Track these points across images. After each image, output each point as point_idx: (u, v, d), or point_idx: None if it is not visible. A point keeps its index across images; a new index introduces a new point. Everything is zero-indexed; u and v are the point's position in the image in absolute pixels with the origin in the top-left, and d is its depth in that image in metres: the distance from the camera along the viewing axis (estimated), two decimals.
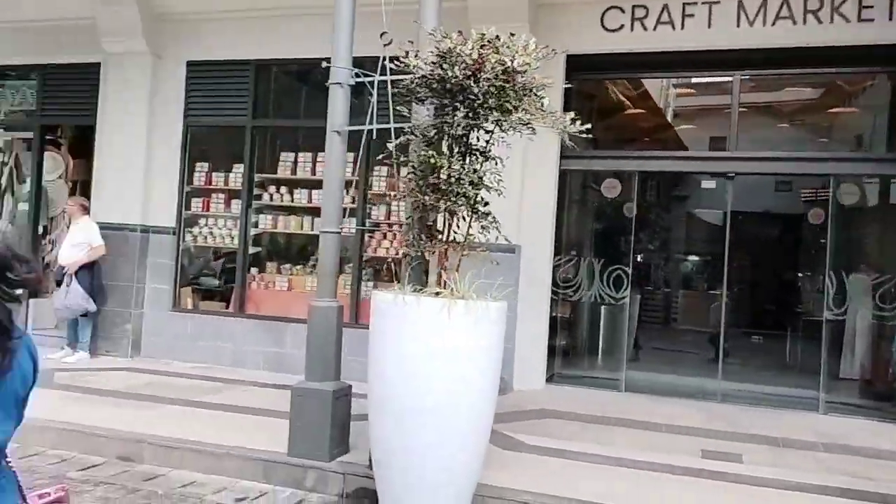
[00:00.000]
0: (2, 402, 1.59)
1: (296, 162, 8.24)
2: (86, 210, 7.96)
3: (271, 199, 8.31)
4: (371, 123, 4.74)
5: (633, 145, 8.87)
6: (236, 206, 8.35)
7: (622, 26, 7.19)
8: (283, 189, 8.27)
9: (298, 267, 8.36)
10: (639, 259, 8.97)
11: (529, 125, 3.97)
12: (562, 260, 7.77)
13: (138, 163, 8.29)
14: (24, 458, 4.96)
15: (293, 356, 7.80)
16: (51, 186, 9.42)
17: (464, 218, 4.18)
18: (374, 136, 4.73)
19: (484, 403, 3.83)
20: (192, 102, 8.35)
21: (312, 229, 8.18)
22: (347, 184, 7.93)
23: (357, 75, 4.68)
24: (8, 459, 1.73)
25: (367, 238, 7.90)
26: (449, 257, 4.08)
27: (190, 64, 8.31)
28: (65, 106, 9.05)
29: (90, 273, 7.86)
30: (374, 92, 4.68)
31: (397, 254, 7.82)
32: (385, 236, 7.88)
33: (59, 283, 7.99)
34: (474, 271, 4.09)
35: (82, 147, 9.63)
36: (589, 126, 3.89)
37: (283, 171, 8.29)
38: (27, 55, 8.96)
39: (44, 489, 1.97)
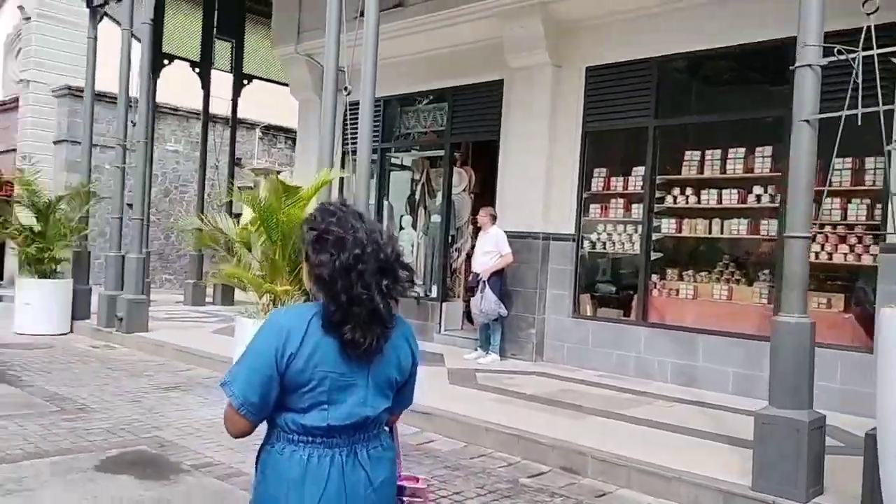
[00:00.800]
0: (375, 380, 1.77)
1: (702, 161, 7.68)
2: (494, 220, 8.37)
3: (675, 201, 7.86)
4: (851, 108, 3.99)
5: None
6: (636, 210, 8.08)
7: None
8: (689, 190, 7.76)
9: (703, 273, 7.77)
10: None
11: None
12: None
13: (539, 172, 8.51)
14: (476, 458, 5.23)
15: (706, 370, 7.28)
16: (456, 199, 10.20)
17: None
18: (860, 123, 3.98)
19: None
20: (590, 108, 8.31)
21: (721, 233, 7.56)
22: (771, 180, 7.24)
23: (839, 52, 3.96)
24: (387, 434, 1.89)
25: None
26: None
27: (589, 70, 8.29)
28: (471, 124, 9.75)
29: (500, 279, 8.26)
30: (859, 70, 3.92)
31: (829, 259, 6.82)
32: (814, 239, 6.87)
33: (471, 290, 8.56)
34: None
35: (481, 161, 10.29)
36: None
37: (688, 172, 7.79)
38: (437, 81, 9.85)
39: (415, 475, 2.09)
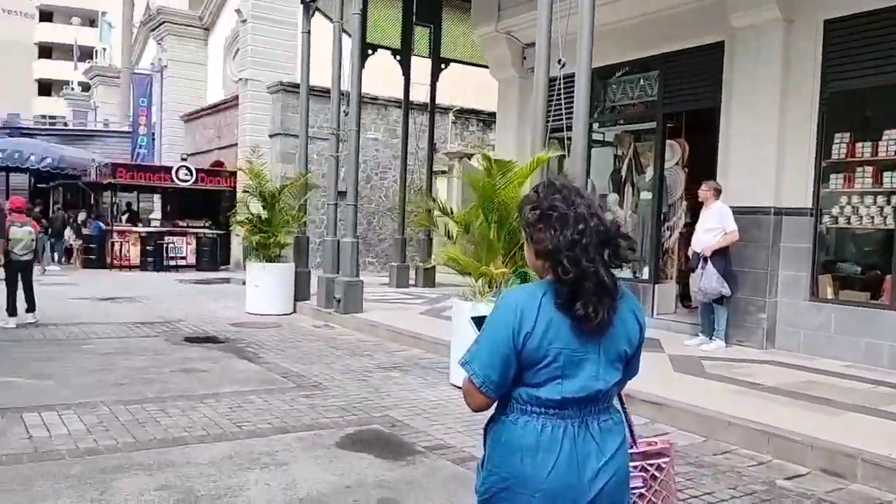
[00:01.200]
0: (606, 354, 1.79)
1: None
2: (719, 194, 7.72)
3: None
4: None
5: None
6: (888, 179, 7.07)
7: None
8: None
9: None
10: None
11: None
12: None
13: (768, 140, 7.71)
14: (720, 455, 4.81)
15: None
16: (669, 174, 9.57)
17: None
18: None
19: None
20: (830, 66, 7.37)
21: None
22: None
23: None
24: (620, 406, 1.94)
25: None
26: None
27: (828, 23, 7.34)
28: (685, 92, 9.07)
29: (725, 259, 7.61)
30: None
31: None
32: None
33: (692, 270, 7.98)
34: None
35: (695, 132, 9.57)
36: None
37: None
38: (646, 48, 9.26)
39: (651, 438, 2.05)
